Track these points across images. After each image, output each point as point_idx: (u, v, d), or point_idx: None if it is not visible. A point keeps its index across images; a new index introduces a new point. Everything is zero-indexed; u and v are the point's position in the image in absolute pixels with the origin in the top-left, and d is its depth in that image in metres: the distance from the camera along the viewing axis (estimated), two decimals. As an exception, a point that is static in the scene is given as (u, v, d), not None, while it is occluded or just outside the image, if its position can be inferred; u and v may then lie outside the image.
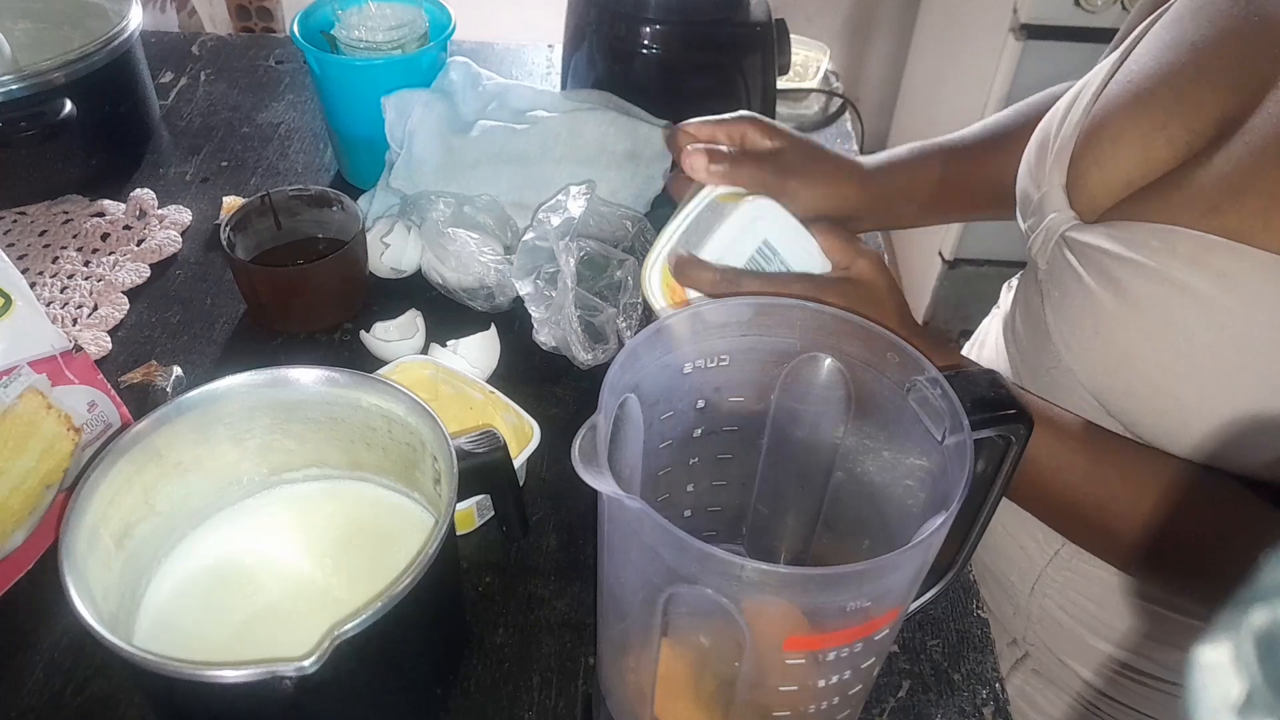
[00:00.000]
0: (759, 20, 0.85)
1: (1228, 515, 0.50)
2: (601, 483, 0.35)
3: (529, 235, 0.71)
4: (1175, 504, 0.49)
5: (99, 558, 0.44)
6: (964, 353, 0.78)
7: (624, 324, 0.70)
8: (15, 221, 0.83)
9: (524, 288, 0.70)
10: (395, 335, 0.72)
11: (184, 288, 0.79)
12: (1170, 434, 0.51)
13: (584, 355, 0.69)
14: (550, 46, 1.12)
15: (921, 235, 1.95)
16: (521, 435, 0.61)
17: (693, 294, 0.53)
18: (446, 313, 0.75)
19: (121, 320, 0.75)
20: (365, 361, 0.70)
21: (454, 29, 0.85)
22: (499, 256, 0.74)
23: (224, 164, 0.92)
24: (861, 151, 1.00)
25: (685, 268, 0.52)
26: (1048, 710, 0.68)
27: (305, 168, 0.93)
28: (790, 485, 0.50)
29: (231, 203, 0.82)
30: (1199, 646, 0.17)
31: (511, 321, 0.75)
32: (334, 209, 0.76)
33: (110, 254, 0.80)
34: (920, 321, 1.97)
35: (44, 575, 0.55)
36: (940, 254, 1.81)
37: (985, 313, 0.78)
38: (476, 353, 0.69)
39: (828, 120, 1.05)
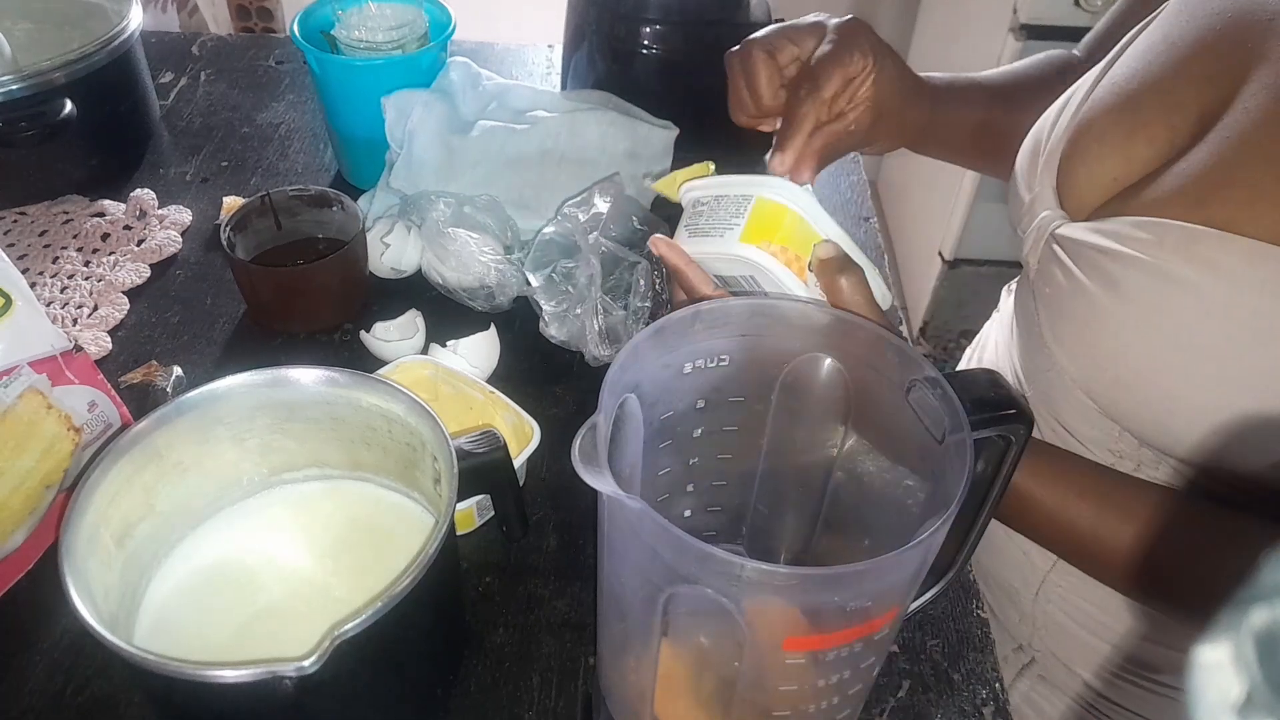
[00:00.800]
0: (759, 20, 0.85)
1: (1208, 538, 0.50)
2: (601, 483, 0.35)
3: (549, 229, 0.71)
4: (1157, 531, 0.50)
5: (99, 558, 0.44)
6: (965, 356, 0.78)
7: (633, 324, 0.70)
8: (15, 222, 0.83)
9: (536, 280, 0.70)
10: (395, 335, 0.72)
11: (184, 288, 0.79)
12: (1160, 425, 0.51)
13: (599, 351, 0.69)
14: (550, 47, 1.12)
15: (922, 235, 1.95)
16: (521, 435, 0.61)
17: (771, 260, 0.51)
18: (446, 313, 0.75)
19: (122, 320, 0.75)
20: (365, 361, 0.70)
21: (454, 29, 0.85)
22: (499, 256, 0.74)
23: (224, 164, 0.92)
24: (861, 152, 1.00)
25: (671, 258, 0.52)
26: (1054, 716, 0.68)
27: (305, 168, 0.93)
28: (790, 485, 0.50)
29: (232, 203, 0.82)
30: (1199, 646, 0.17)
31: (512, 321, 0.75)
32: (334, 209, 0.76)
33: (110, 254, 0.80)
34: (920, 321, 1.97)
35: (44, 575, 0.55)
36: (940, 254, 1.81)
37: (985, 313, 0.78)
38: (476, 353, 0.69)
39: (828, 120, 1.04)
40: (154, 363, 0.69)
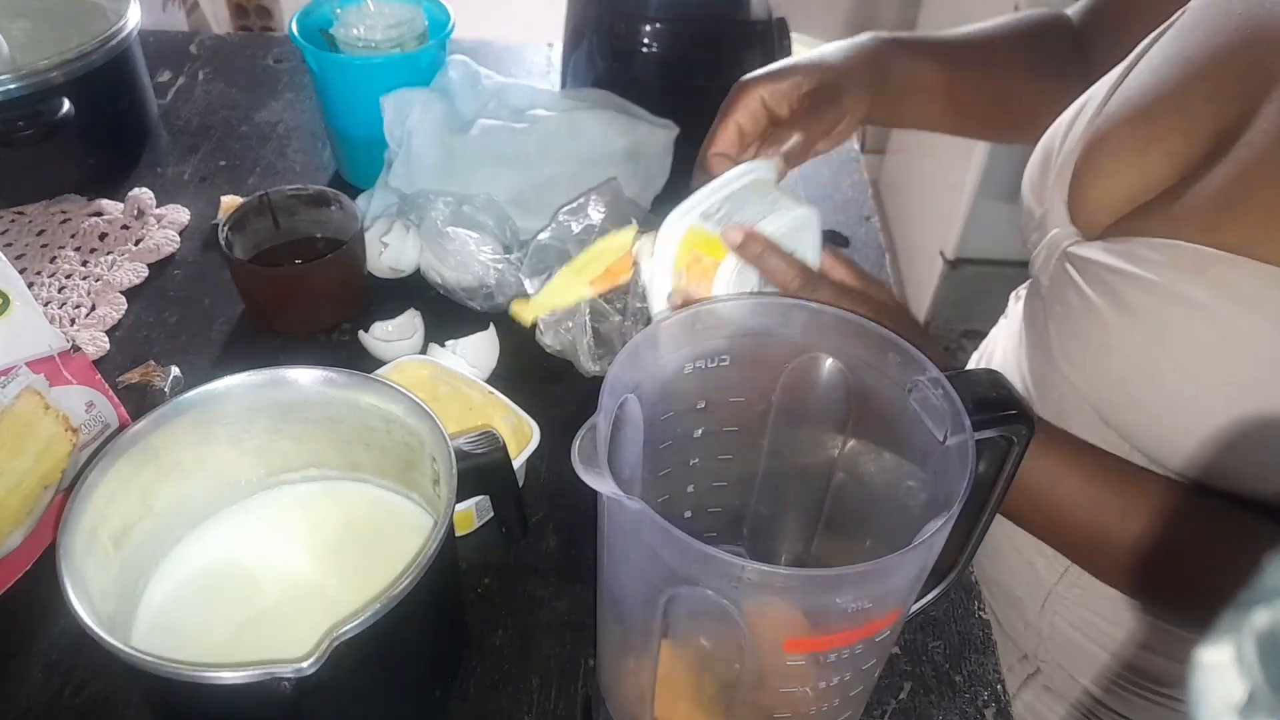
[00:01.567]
0: (759, 19, 0.85)
1: (1216, 533, 0.50)
2: (601, 483, 0.34)
3: (544, 235, 0.71)
4: (1164, 523, 0.49)
5: (97, 558, 0.43)
6: (971, 362, 0.78)
7: (630, 327, 0.70)
8: (13, 221, 0.82)
9: (531, 287, 0.70)
10: (394, 335, 0.72)
11: (182, 288, 0.78)
12: (1172, 446, 0.51)
13: (590, 365, 0.69)
14: (550, 45, 1.12)
15: (923, 235, 1.95)
16: (521, 436, 0.61)
17: (721, 273, 0.49)
18: (445, 313, 0.74)
19: (119, 320, 0.75)
20: (364, 361, 0.70)
21: (453, 27, 0.85)
22: (498, 256, 0.74)
23: (222, 163, 0.92)
24: (862, 149, 1.00)
25: (760, 249, 0.48)
26: None
27: (304, 167, 0.92)
28: (791, 486, 0.50)
29: (230, 202, 0.82)
30: (1201, 647, 0.17)
31: (511, 321, 0.74)
32: (332, 208, 0.76)
33: (108, 254, 0.80)
34: (922, 321, 1.97)
35: (42, 576, 0.55)
36: (942, 254, 1.81)
37: (987, 313, 0.78)
38: (475, 353, 0.69)
39: (828, 119, 1.04)
40: (152, 363, 0.69)
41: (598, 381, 0.38)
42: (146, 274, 0.78)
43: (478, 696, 0.53)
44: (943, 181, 1.82)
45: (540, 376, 0.71)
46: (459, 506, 0.53)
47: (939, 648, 0.57)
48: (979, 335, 0.79)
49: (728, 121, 0.59)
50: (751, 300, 0.44)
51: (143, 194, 0.85)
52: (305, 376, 0.49)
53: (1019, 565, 0.66)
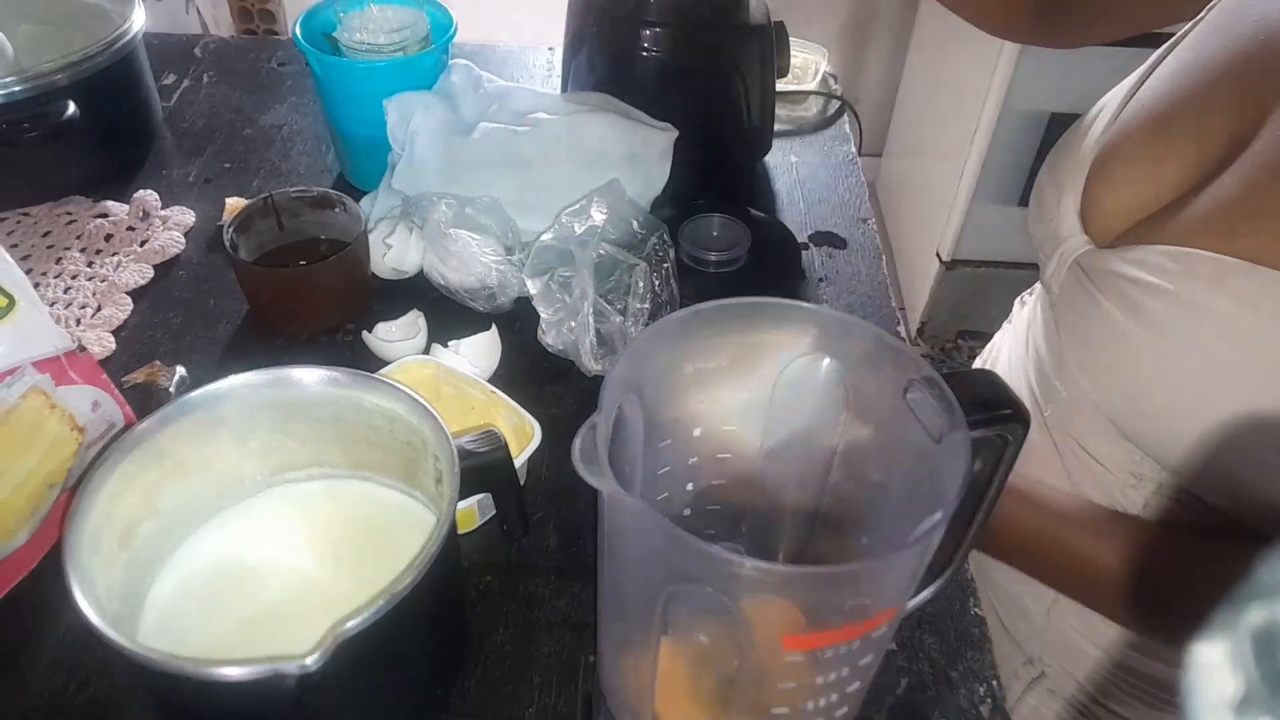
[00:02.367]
0: (758, 23, 0.85)
1: (1187, 563, 0.50)
2: (601, 482, 0.35)
3: (546, 236, 0.72)
4: (1137, 562, 0.50)
5: (102, 557, 0.44)
6: (975, 366, 0.78)
7: (631, 327, 0.70)
8: (19, 222, 0.83)
9: (534, 287, 0.70)
10: (397, 336, 0.72)
11: (187, 288, 0.79)
12: (1187, 455, 0.50)
13: (593, 365, 0.69)
14: (550, 49, 1.13)
15: (920, 235, 1.95)
16: (522, 435, 0.61)
17: None
18: (448, 313, 0.75)
19: (125, 320, 0.75)
20: (367, 362, 0.70)
21: (455, 31, 0.85)
22: (500, 257, 0.74)
23: (226, 165, 0.93)
24: (859, 151, 1.01)
25: None
26: None
27: (307, 169, 0.93)
28: (789, 484, 0.51)
29: (234, 204, 0.82)
30: (1195, 645, 0.17)
31: (513, 322, 0.75)
32: (336, 210, 0.77)
33: (113, 255, 0.80)
34: (918, 322, 1.97)
35: (48, 574, 0.56)
36: (938, 254, 1.82)
37: (984, 314, 0.78)
38: (478, 353, 0.69)
39: (826, 122, 1.05)
40: (157, 363, 0.70)
41: (598, 381, 0.39)
42: (152, 275, 0.79)
43: (479, 693, 0.54)
44: (939, 184, 1.82)
45: (541, 376, 0.72)
46: (461, 505, 0.53)
47: (935, 644, 0.57)
48: (975, 336, 0.80)
49: None
50: (751, 300, 0.45)
51: (148, 196, 0.86)
52: (309, 376, 0.50)
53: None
